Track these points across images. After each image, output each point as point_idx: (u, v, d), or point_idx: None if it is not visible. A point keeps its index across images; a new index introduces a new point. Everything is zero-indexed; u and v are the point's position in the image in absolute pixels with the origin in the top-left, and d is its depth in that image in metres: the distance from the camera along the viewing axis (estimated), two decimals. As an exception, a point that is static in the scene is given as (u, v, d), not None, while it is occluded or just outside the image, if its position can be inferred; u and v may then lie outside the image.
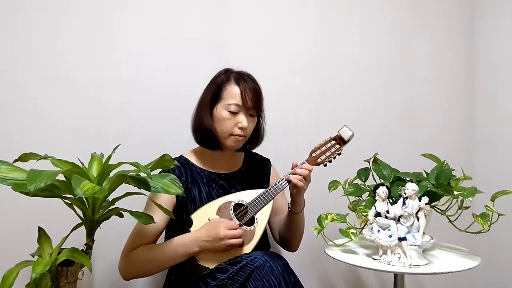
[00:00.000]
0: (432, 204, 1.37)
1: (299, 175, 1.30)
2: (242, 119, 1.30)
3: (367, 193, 1.44)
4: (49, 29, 1.47)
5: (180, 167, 1.35)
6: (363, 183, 1.47)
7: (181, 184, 1.15)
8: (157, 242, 1.30)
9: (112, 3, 1.54)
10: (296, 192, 1.32)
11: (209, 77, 1.61)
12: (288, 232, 1.44)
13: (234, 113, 1.30)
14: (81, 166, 1.12)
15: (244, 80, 1.33)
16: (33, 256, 1.12)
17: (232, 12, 1.70)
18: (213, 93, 1.34)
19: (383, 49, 1.91)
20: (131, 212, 1.11)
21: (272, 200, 1.30)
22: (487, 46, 1.98)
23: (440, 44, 2.00)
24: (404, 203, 1.28)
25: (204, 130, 1.33)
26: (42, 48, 1.46)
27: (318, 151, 1.37)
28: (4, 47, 1.43)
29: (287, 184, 1.31)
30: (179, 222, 1.29)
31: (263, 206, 1.29)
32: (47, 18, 1.47)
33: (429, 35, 1.99)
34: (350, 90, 1.86)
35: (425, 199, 1.27)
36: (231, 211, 1.28)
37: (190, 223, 1.26)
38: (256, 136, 1.41)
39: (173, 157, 1.35)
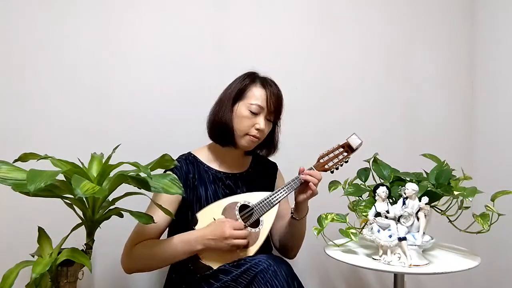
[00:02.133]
0: (432, 204, 1.37)
1: (315, 177, 1.30)
2: (260, 121, 1.31)
3: (367, 193, 1.44)
4: (50, 29, 1.47)
5: (188, 164, 1.34)
6: (363, 183, 1.47)
7: (181, 184, 1.15)
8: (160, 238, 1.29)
9: (114, 4, 1.54)
10: (305, 198, 1.32)
11: (210, 78, 1.62)
12: (289, 239, 1.43)
13: (254, 114, 1.31)
14: (81, 166, 1.12)
15: (270, 84, 1.35)
16: (33, 256, 1.12)
17: (233, 13, 1.70)
18: (237, 91, 1.34)
19: (384, 50, 1.91)
20: (131, 212, 1.11)
21: (278, 204, 1.30)
22: (487, 47, 1.98)
23: (440, 44, 2.00)
24: (404, 203, 1.28)
25: (221, 125, 1.33)
26: (42, 48, 1.47)
27: (326, 158, 1.37)
28: (5, 48, 1.43)
29: (294, 189, 1.31)
30: (184, 220, 1.29)
31: (269, 209, 1.29)
32: (49, 18, 1.47)
33: (429, 35, 1.99)
34: (350, 90, 1.86)
35: (425, 199, 1.27)
36: (237, 212, 1.27)
37: (195, 221, 1.25)
38: (272, 142, 1.42)
39: (178, 155, 1.36)
